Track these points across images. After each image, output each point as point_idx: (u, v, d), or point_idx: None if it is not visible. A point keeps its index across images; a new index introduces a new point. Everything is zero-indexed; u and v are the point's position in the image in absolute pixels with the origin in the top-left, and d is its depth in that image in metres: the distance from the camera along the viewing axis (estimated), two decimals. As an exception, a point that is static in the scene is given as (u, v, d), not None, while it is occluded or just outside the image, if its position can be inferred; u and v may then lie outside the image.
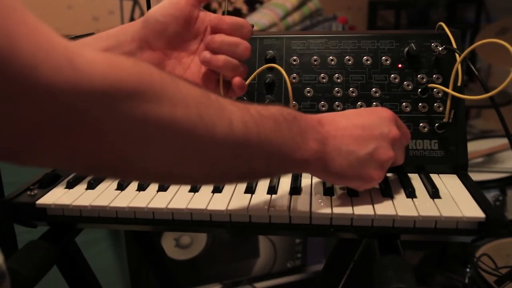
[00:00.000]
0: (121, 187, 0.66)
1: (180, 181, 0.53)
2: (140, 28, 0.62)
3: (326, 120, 0.55)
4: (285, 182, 0.66)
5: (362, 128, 0.55)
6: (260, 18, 1.91)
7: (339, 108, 0.70)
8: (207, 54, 0.61)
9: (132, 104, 0.36)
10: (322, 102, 0.71)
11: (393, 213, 0.56)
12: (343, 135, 0.54)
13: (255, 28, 0.78)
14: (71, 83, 0.32)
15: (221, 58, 0.60)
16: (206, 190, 0.65)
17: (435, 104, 0.69)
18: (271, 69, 0.74)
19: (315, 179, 0.67)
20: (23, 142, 0.33)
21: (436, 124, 0.68)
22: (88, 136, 0.35)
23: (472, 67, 0.68)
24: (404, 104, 0.69)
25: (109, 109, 0.35)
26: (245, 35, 0.62)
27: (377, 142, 0.55)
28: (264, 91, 0.73)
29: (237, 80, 0.62)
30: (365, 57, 0.72)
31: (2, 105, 0.30)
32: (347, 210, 0.57)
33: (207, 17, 0.65)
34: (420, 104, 0.69)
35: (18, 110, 0.31)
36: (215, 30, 0.62)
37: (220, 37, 0.60)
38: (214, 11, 2.71)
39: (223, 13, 0.63)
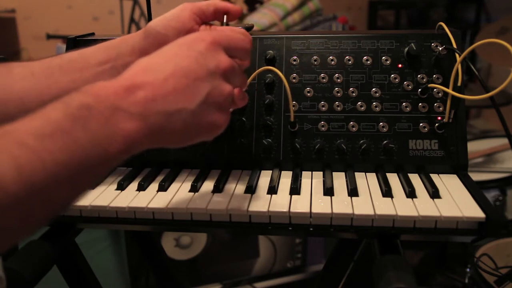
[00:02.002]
0: (121, 187, 0.66)
1: None
2: (141, 39, 0.62)
3: (137, 81, 0.43)
4: (285, 182, 0.66)
5: (185, 75, 0.45)
6: (260, 18, 1.91)
7: (339, 108, 0.70)
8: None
9: None
10: (322, 102, 0.71)
11: (393, 213, 0.56)
12: (165, 94, 0.43)
13: (255, 28, 0.78)
14: None
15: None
16: (206, 190, 0.65)
17: (435, 104, 0.69)
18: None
19: (315, 179, 0.67)
20: None
21: (436, 124, 0.68)
22: None
23: (472, 67, 0.68)
24: (404, 104, 0.69)
25: None
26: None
27: (208, 83, 0.46)
28: (264, 91, 0.73)
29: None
30: (365, 57, 0.72)
31: None
32: (347, 210, 0.57)
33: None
34: (420, 104, 0.69)
35: None
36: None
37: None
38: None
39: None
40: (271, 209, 0.59)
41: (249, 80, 0.68)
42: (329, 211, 0.58)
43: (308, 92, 0.72)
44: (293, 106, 0.71)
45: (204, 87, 0.45)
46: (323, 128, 0.70)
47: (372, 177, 0.67)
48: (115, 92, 0.42)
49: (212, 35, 0.48)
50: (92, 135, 0.39)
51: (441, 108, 0.69)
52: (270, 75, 0.73)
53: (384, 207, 0.58)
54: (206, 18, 0.65)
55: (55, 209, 0.38)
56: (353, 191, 0.61)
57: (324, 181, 0.66)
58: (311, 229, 0.59)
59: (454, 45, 0.69)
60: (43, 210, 0.36)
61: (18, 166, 0.33)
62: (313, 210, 0.58)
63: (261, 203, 0.60)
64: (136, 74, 0.44)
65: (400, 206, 0.58)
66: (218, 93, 0.47)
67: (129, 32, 2.95)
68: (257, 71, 0.70)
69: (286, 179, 0.67)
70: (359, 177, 0.67)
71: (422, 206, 0.57)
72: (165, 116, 0.43)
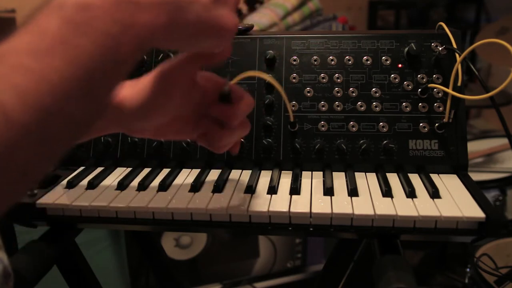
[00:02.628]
0: (121, 187, 0.66)
1: None
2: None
3: None
4: (285, 182, 0.66)
5: None
6: (260, 18, 1.91)
7: (339, 108, 0.70)
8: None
9: None
10: (322, 102, 0.71)
11: (393, 213, 0.56)
12: None
13: (255, 28, 0.78)
14: None
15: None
16: (206, 190, 0.65)
17: (435, 104, 0.69)
18: (271, 69, 0.74)
19: (315, 179, 0.67)
20: None
21: (436, 124, 0.68)
22: None
23: (472, 67, 0.68)
24: (404, 104, 0.69)
25: None
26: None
27: None
28: (264, 91, 0.73)
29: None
30: (365, 57, 0.72)
31: None
32: (347, 210, 0.57)
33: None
34: (420, 104, 0.69)
35: None
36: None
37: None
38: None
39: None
40: (271, 209, 0.59)
41: (236, 80, 0.64)
42: (329, 211, 0.58)
43: (308, 92, 0.72)
44: (293, 106, 0.71)
45: None
46: (323, 128, 0.70)
47: (372, 177, 0.67)
48: None
49: None
50: (99, 37, 0.33)
51: (441, 108, 0.69)
52: (269, 75, 0.73)
53: (384, 207, 0.58)
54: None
55: (77, 128, 0.34)
56: (353, 191, 0.61)
57: (324, 181, 0.66)
58: (311, 229, 0.59)
59: (454, 45, 0.69)
60: (63, 133, 0.32)
61: (20, 91, 0.29)
62: (313, 210, 0.58)
63: (261, 203, 0.60)
64: None
65: (400, 206, 0.58)
66: None
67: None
68: (247, 74, 0.59)
69: (286, 179, 0.67)
70: (359, 177, 0.67)
71: (422, 206, 0.57)
72: (179, 6, 0.38)
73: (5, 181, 0.29)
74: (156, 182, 0.68)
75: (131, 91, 0.49)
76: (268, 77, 0.65)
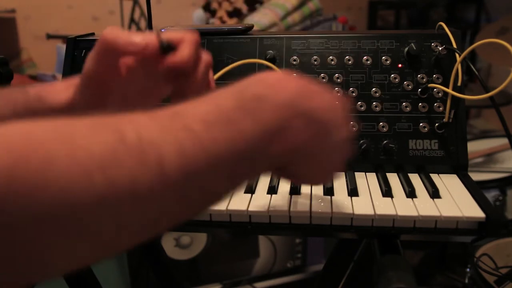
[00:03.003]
0: (121, 187, 0.66)
1: (115, 254, 0.33)
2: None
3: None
4: (285, 182, 0.66)
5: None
6: (260, 18, 1.91)
7: (339, 108, 0.70)
8: (177, 98, 0.50)
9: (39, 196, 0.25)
10: (322, 102, 0.71)
11: (393, 213, 0.56)
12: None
13: (255, 28, 0.78)
14: None
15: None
16: (206, 190, 0.65)
17: (435, 104, 0.69)
18: (271, 69, 0.73)
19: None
20: None
21: (436, 124, 0.68)
22: None
23: (472, 67, 0.68)
24: (404, 104, 0.69)
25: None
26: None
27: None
28: (264, 91, 0.73)
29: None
30: (365, 57, 0.72)
31: None
32: (347, 210, 0.57)
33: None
34: (420, 104, 0.69)
35: None
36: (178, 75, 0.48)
37: (192, 88, 0.49)
38: (214, 11, 2.70)
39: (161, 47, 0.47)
40: (271, 209, 0.59)
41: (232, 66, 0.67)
42: (329, 211, 0.58)
43: (308, 92, 0.72)
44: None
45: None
46: (323, 128, 0.70)
47: (372, 177, 0.67)
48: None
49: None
50: (260, 128, 0.36)
51: (441, 108, 0.69)
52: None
53: (384, 207, 0.58)
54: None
55: (210, 200, 0.37)
56: (353, 191, 0.61)
57: (324, 181, 0.66)
58: (311, 229, 0.59)
59: (454, 45, 0.69)
60: (198, 199, 0.35)
61: (181, 150, 0.31)
62: (313, 210, 0.58)
63: (261, 203, 0.60)
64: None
65: (400, 206, 0.58)
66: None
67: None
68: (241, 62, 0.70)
69: (286, 179, 0.67)
70: (359, 177, 0.67)
71: (422, 206, 0.57)
72: (327, 130, 0.41)
73: (137, 221, 0.30)
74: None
75: (72, 93, 0.50)
76: (265, 62, 0.67)
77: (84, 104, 0.49)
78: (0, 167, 0.24)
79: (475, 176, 0.70)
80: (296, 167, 0.42)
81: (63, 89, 0.51)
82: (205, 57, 0.50)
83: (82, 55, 0.75)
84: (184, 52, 0.46)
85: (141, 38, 0.45)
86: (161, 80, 0.50)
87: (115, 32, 0.45)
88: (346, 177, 0.66)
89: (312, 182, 0.50)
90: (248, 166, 0.36)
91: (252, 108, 0.36)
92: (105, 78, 0.48)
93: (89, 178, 0.27)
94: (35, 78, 2.57)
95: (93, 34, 0.82)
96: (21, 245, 0.26)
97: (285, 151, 0.38)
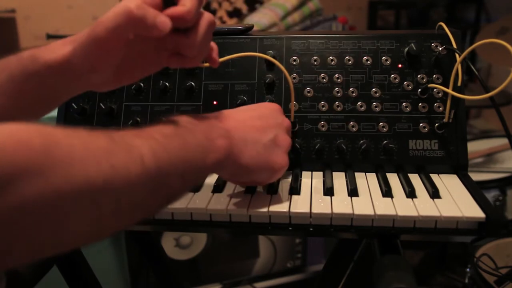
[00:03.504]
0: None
1: (100, 238, 0.41)
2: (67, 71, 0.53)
3: (224, 116, 0.56)
4: (285, 182, 0.66)
5: (259, 118, 0.58)
6: (260, 18, 1.91)
7: (339, 108, 0.70)
8: (175, 61, 0.55)
9: (41, 184, 0.31)
10: (322, 102, 0.71)
11: (393, 213, 0.56)
12: (244, 125, 0.56)
13: (255, 28, 0.78)
14: None
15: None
16: (206, 190, 0.65)
17: (435, 104, 0.69)
18: (271, 69, 0.74)
19: (315, 179, 0.67)
20: None
21: (436, 124, 0.68)
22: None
23: (472, 67, 0.68)
24: (404, 104, 0.69)
25: (17, 199, 0.30)
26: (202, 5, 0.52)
27: (275, 129, 0.58)
28: (264, 91, 0.73)
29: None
30: (365, 57, 0.72)
31: None
32: (347, 210, 0.57)
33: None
34: (420, 104, 0.69)
35: None
36: (177, 26, 0.51)
37: (191, 43, 0.52)
38: (214, 11, 2.70)
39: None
40: (271, 209, 0.59)
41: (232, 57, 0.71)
42: (329, 211, 0.58)
43: (308, 92, 0.72)
44: (294, 106, 0.71)
45: (272, 131, 0.58)
46: (323, 128, 0.70)
47: (372, 177, 0.67)
48: (209, 116, 0.54)
49: (279, 107, 0.63)
50: (198, 142, 0.48)
51: (441, 108, 0.69)
52: (270, 75, 0.73)
53: (384, 207, 0.58)
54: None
55: (168, 196, 0.46)
56: (353, 191, 0.61)
57: (324, 181, 0.66)
58: (311, 229, 0.59)
59: (454, 45, 0.69)
60: (161, 192, 0.44)
61: (153, 151, 0.41)
62: (313, 210, 0.58)
63: (261, 203, 0.60)
64: (223, 112, 0.58)
65: (400, 206, 0.58)
66: (283, 138, 0.58)
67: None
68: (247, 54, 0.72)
69: (286, 179, 0.67)
70: (359, 177, 0.67)
71: (422, 206, 0.57)
72: (243, 141, 0.54)
73: (128, 202, 0.40)
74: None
75: (71, 48, 0.52)
76: (268, 57, 0.69)
77: (83, 62, 0.51)
78: (38, 146, 0.32)
79: (475, 176, 0.70)
80: (236, 170, 0.55)
81: (59, 46, 0.52)
82: (207, 15, 0.53)
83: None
84: (185, 4, 0.49)
85: (166, 20, 0.47)
86: (161, 39, 0.51)
87: (144, 10, 0.46)
88: (346, 177, 0.66)
89: (260, 181, 0.60)
90: (194, 174, 0.48)
91: (190, 128, 0.49)
92: (115, 45, 0.49)
93: (98, 165, 0.36)
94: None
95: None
96: (52, 216, 0.33)
97: (218, 162, 0.50)
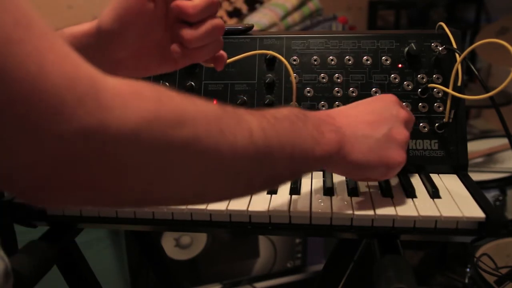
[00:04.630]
0: (121, 187, 0.66)
1: (204, 201, 0.49)
2: (93, 40, 0.56)
3: (335, 113, 0.55)
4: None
5: (372, 112, 0.56)
6: (260, 18, 1.91)
7: (339, 108, 0.70)
8: (177, 49, 0.56)
9: (155, 133, 0.34)
10: (322, 102, 0.71)
11: (393, 213, 0.56)
12: (356, 121, 0.54)
13: (255, 28, 0.78)
14: (94, 120, 0.31)
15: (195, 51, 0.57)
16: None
17: (435, 104, 0.69)
18: (271, 68, 0.74)
19: (315, 179, 0.67)
20: (41, 183, 0.31)
21: (436, 124, 0.68)
22: (112, 175, 0.33)
23: (472, 67, 0.68)
24: (404, 104, 0.69)
25: (133, 144, 0.33)
26: (214, 11, 0.56)
27: (390, 123, 0.55)
28: (264, 91, 0.73)
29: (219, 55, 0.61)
30: (365, 57, 0.72)
31: (22, 137, 0.29)
32: (347, 210, 0.57)
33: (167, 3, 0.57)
34: (420, 104, 0.69)
35: (38, 144, 0.29)
36: (181, 17, 0.55)
37: (191, 34, 0.55)
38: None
39: None
40: (271, 209, 0.59)
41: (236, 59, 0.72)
42: (329, 211, 0.58)
43: (308, 92, 0.72)
44: (294, 106, 0.71)
45: (386, 124, 0.55)
46: (323, 128, 0.70)
47: (372, 177, 0.67)
48: (320, 113, 0.54)
49: (395, 98, 0.59)
50: (308, 131, 0.48)
51: (441, 108, 0.69)
52: (270, 75, 0.73)
53: (384, 207, 0.58)
54: None
55: (273, 177, 0.47)
56: (353, 191, 0.61)
57: (324, 181, 0.66)
58: (311, 229, 0.59)
59: (454, 45, 0.69)
60: (266, 171, 0.45)
61: (263, 128, 0.43)
62: (313, 210, 0.58)
63: (261, 203, 0.60)
64: (334, 110, 0.57)
65: (400, 206, 0.58)
66: (398, 132, 0.55)
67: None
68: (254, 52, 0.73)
69: (286, 179, 0.67)
70: (359, 177, 0.66)
71: (422, 206, 0.57)
72: (354, 137, 0.53)
73: (231, 174, 0.42)
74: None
75: (105, 14, 0.55)
76: (274, 54, 0.70)
77: (112, 24, 0.54)
78: (151, 97, 0.35)
79: (475, 176, 0.70)
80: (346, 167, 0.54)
81: (85, 23, 0.56)
82: (217, 20, 0.56)
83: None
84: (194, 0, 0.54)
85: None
86: (163, 23, 0.57)
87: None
88: (346, 177, 0.66)
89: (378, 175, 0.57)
90: (303, 161, 0.48)
91: (301, 118, 0.49)
92: (140, 8, 0.53)
93: (208, 126, 0.38)
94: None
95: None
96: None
97: (328, 155, 0.50)
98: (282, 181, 0.51)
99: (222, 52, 0.62)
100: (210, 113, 0.40)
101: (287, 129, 0.46)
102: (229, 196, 0.50)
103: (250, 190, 0.49)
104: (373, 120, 0.55)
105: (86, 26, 0.55)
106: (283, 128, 0.46)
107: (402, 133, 0.55)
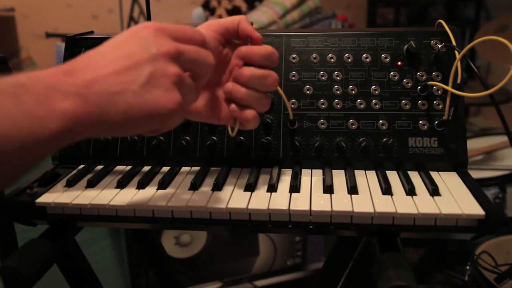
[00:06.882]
0: (120, 185, 0.66)
1: None
2: None
3: (79, 66, 0.45)
4: (285, 180, 0.66)
5: (126, 57, 0.45)
6: (260, 16, 1.91)
7: (338, 106, 0.70)
8: (229, 85, 0.58)
9: None
10: (322, 100, 0.71)
11: (393, 210, 0.56)
12: (106, 74, 0.44)
13: (254, 26, 0.78)
14: None
15: (242, 90, 0.58)
16: (206, 188, 0.65)
17: (435, 102, 0.69)
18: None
19: (315, 177, 0.67)
20: None
21: (436, 122, 0.68)
22: None
23: (472, 65, 0.68)
24: (403, 101, 0.69)
25: None
26: (274, 62, 0.59)
27: (150, 65, 0.46)
28: (263, 89, 0.73)
29: (248, 112, 0.59)
30: (364, 55, 0.72)
31: None
32: (346, 207, 0.57)
33: (235, 47, 0.61)
34: (419, 101, 0.69)
35: None
36: (245, 61, 0.59)
37: (249, 71, 0.58)
38: (213, 10, 2.70)
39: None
40: (271, 207, 0.59)
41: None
42: (329, 208, 0.58)
43: (308, 90, 0.72)
44: (293, 104, 0.71)
45: (145, 69, 0.45)
46: (322, 126, 0.70)
47: (371, 174, 0.67)
48: (52, 74, 0.43)
49: (157, 23, 0.48)
50: (25, 110, 0.40)
51: (440, 106, 0.69)
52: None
53: (383, 204, 0.58)
54: (230, 36, 0.61)
55: (14, 165, 0.40)
56: (352, 189, 0.61)
57: (323, 178, 0.66)
58: (311, 227, 0.59)
59: (454, 43, 0.69)
60: (6, 161, 0.39)
61: None
62: (313, 208, 0.58)
63: (261, 201, 0.60)
64: (77, 61, 0.46)
65: (399, 204, 0.58)
66: (161, 74, 0.46)
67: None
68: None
69: (285, 176, 0.67)
70: (359, 174, 0.67)
71: (421, 204, 0.57)
72: (106, 96, 0.43)
73: None
74: (155, 180, 0.68)
75: None
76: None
77: None
78: None
79: (475, 174, 0.70)
80: (109, 129, 0.45)
81: None
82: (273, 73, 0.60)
83: (81, 53, 0.75)
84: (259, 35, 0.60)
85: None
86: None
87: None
88: (346, 175, 0.66)
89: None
90: (29, 145, 0.40)
91: (13, 92, 0.40)
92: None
93: None
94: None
95: (92, 32, 0.82)
96: None
97: (65, 127, 0.42)
98: (22, 170, 0.42)
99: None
100: None
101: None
102: None
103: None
104: (127, 67, 0.45)
105: None
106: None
107: (168, 71, 0.46)
